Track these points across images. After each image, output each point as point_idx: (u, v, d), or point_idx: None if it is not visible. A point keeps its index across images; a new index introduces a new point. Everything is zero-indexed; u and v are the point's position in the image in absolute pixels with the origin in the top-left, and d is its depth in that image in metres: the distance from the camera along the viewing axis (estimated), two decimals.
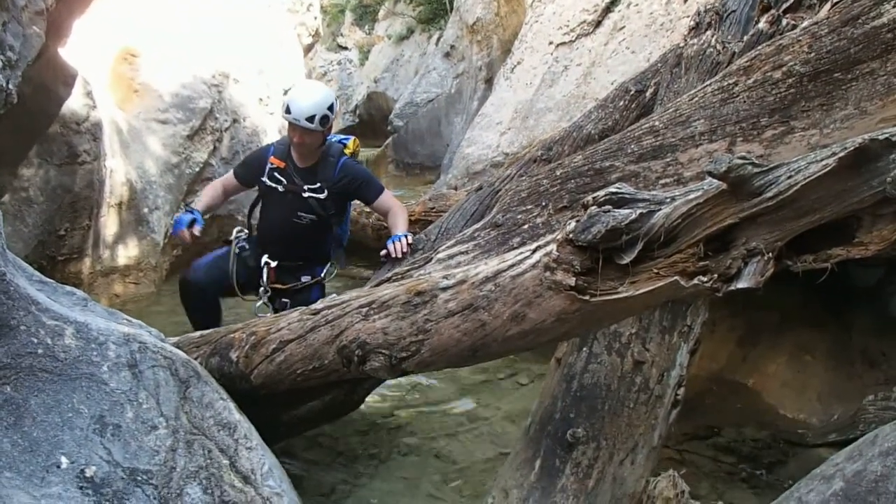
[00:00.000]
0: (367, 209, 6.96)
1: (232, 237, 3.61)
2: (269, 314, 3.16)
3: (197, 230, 3.36)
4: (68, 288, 2.36)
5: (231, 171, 3.79)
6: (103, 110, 4.99)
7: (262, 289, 3.44)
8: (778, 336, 3.32)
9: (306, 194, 3.44)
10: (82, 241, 4.77)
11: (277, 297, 3.46)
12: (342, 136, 3.80)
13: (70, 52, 4.06)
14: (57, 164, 4.37)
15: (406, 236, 3.13)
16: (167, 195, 5.78)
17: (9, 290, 1.74)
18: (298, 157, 3.49)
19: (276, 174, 3.50)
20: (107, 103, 5.34)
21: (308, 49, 10.67)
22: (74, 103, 4.44)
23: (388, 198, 3.59)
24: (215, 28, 6.86)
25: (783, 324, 3.32)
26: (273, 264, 3.46)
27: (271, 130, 7.55)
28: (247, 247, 3.54)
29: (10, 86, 2.75)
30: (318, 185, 3.46)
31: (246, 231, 3.69)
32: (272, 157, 3.52)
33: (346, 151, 3.64)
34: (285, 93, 8.63)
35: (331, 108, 3.35)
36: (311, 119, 3.28)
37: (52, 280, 2.34)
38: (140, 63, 6.00)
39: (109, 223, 5.13)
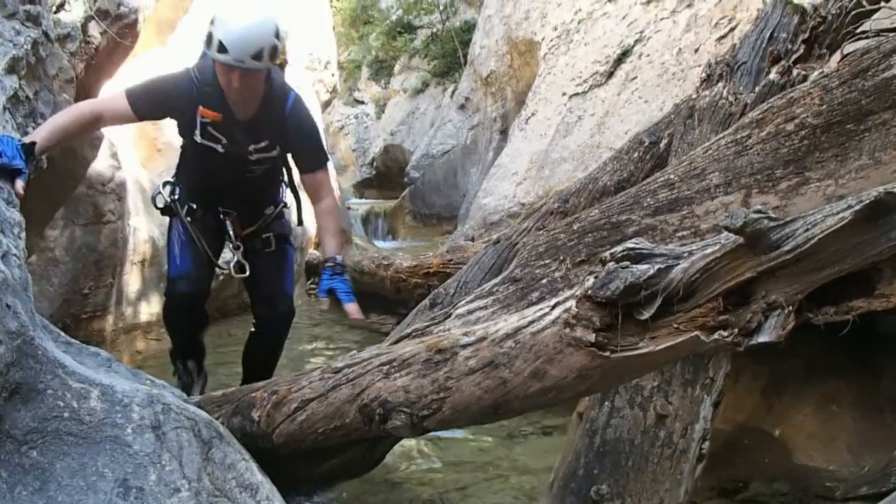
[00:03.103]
0: (385, 260, 7.09)
1: (162, 201, 3.02)
2: (246, 271, 2.98)
3: (19, 186, 2.16)
4: (93, 349, 2.40)
5: (119, 95, 2.72)
6: (128, 170, 5.11)
7: (231, 245, 3.01)
8: (803, 385, 3.27)
9: (254, 156, 2.83)
10: (106, 298, 4.83)
11: (250, 245, 3.06)
12: None
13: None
14: (82, 225, 4.46)
15: (346, 279, 2.80)
16: None
17: (37, 353, 1.77)
18: (238, 105, 2.71)
19: (210, 131, 2.74)
20: (131, 163, 5.48)
21: (326, 105, 10.89)
22: (100, 164, 4.56)
23: (326, 179, 2.92)
24: None
25: (808, 372, 3.27)
26: (234, 215, 3.00)
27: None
28: (194, 206, 2.99)
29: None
30: (266, 142, 2.82)
31: (170, 183, 3.07)
32: (201, 107, 2.71)
33: (281, 58, 2.88)
34: None
35: (278, 33, 2.57)
36: (258, 56, 2.50)
37: (76, 341, 2.39)
38: (163, 123, 6.15)
39: (132, 280, 5.20)
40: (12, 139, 2.21)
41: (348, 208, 12.10)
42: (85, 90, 3.55)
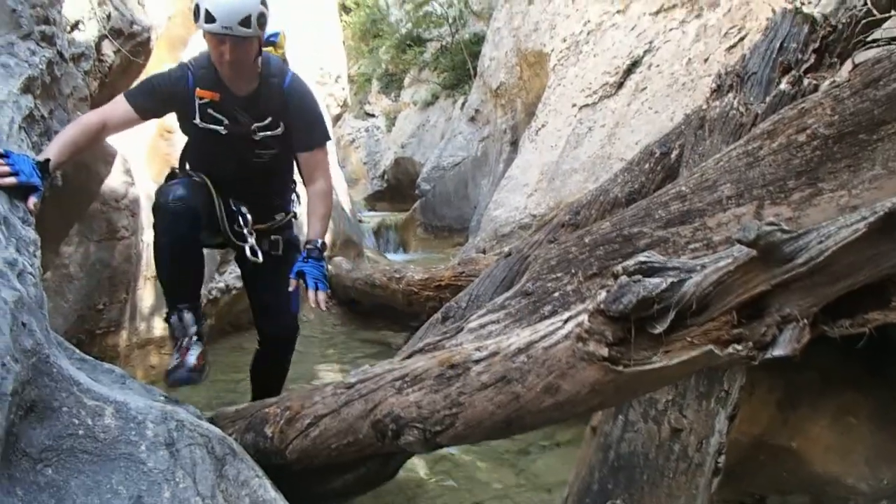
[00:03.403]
0: (397, 273, 7.09)
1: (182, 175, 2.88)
2: (259, 257, 2.87)
3: (32, 203, 2.19)
4: (107, 365, 2.42)
5: (120, 99, 2.74)
6: (141, 186, 5.15)
7: (245, 231, 2.90)
8: (819, 397, 3.24)
9: (259, 135, 2.77)
10: (120, 314, 4.86)
11: (261, 239, 2.97)
12: (269, 33, 2.88)
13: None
14: (96, 241, 4.50)
15: (321, 265, 2.64)
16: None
17: (52, 371, 1.79)
18: (234, 82, 2.70)
19: (210, 112, 2.71)
20: (144, 179, 5.52)
21: (337, 118, 10.96)
22: (114, 181, 4.60)
23: (323, 161, 2.84)
24: None
25: (824, 384, 3.25)
26: (244, 210, 2.91)
27: (302, 199, 7.69)
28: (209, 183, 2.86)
29: (58, 172, 2.86)
30: (269, 119, 2.76)
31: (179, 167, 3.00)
32: (197, 88, 2.70)
33: (279, 51, 2.95)
34: None
35: (264, 0, 2.55)
36: (245, 22, 2.48)
37: (91, 357, 2.40)
38: (176, 139, 6.22)
39: (146, 296, 5.23)
40: (28, 157, 2.24)
41: (360, 221, 12.13)
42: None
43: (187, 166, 3.04)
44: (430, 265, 7.53)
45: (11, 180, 2.12)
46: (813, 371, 3.26)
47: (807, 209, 2.15)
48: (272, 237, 3.01)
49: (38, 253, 2.12)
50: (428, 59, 19.41)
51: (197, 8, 2.50)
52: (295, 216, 3.17)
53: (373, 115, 22.85)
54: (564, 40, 9.71)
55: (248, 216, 2.91)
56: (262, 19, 2.55)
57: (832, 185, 2.14)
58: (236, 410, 2.57)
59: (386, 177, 19.22)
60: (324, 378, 5.39)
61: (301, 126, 2.80)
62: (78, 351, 2.35)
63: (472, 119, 13.95)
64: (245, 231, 2.90)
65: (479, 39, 15.74)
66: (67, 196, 3.63)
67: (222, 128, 2.72)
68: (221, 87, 2.69)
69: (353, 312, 7.44)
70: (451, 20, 18.28)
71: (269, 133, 2.77)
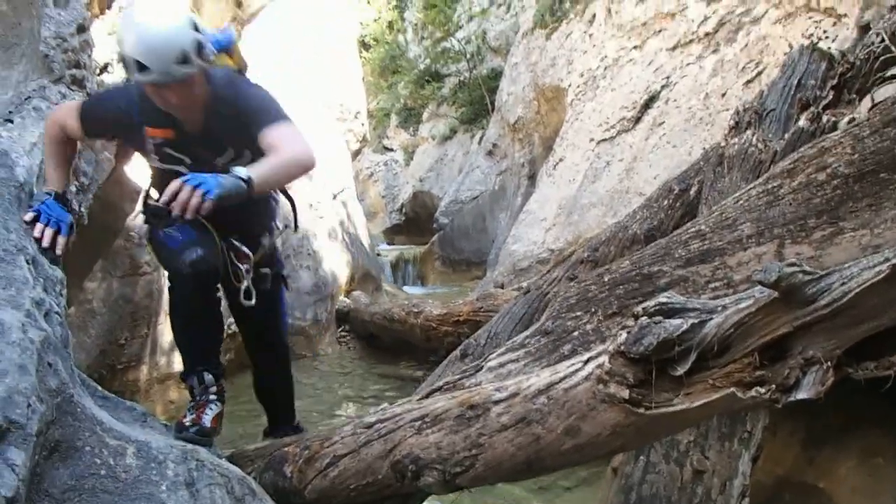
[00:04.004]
0: (415, 307, 7.09)
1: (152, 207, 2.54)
2: (253, 299, 2.59)
3: (61, 246, 2.20)
4: (128, 403, 2.44)
5: (74, 109, 2.40)
6: None
7: (243, 269, 2.61)
8: (844, 437, 3.17)
9: (221, 166, 2.36)
10: (140, 349, 4.90)
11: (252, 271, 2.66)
12: (219, 39, 2.50)
13: (135, 167, 4.30)
14: (119, 277, 4.57)
15: (220, 177, 2.01)
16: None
17: (76, 411, 1.80)
18: (186, 118, 2.35)
19: (168, 152, 2.39)
20: None
21: (356, 154, 11.09)
22: (138, 217, 4.68)
23: (285, 133, 2.27)
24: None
25: (849, 424, 3.18)
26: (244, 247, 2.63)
27: (321, 234, 7.76)
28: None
29: (83, 208, 2.93)
30: (230, 149, 2.43)
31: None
32: (148, 128, 2.35)
33: (235, 59, 2.60)
34: (334, 196, 8.98)
35: (195, 26, 2.19)
36: (183, 59, 2.13)
37: (113, 395, 2.43)
38: None
39: (166, 331, 5.27)
40: (48, 197, 2.26)
41: (378, 254, 12.19)
42: (124, 148, 3.66)
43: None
44: (449, 299, 7.53)
45: (60, 240, 2.20)
46: (838, 410, 3.20)
47: (828, 248, 2.14)
48: (261, 270, 2.76)
49: (64, 292, 2.16)
50: (446, 94, 19.64)
51: (123, 59, 2.15)
52: (279, 231, 2.90)
53: (391, 150, 23.06)
54: (582, 75, 9.79)
55: (247, 251, 2.63)
56: (200, 49, 2.17)
57: (854, 224, 2.13)
58: (255, 449, 2.57)
59: (404, 210, 19.34)
60: (343, 413, 5.37)
61: (249, 120, 2.32)
62: (100, 388, 2.38)
63: (490, 153, 14.05)
64: (243, 270, 2.62)
65: (496, 74, 15.92)
66: (92, 233, 3.69)
67: (184, 167, 2.38)
68: (172, 121, 2.34)
69: (371, 347, 7.45)
70: (469, 56, 18.53)
71: (235, 161, 2.41)
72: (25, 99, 2.64)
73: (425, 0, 20.74)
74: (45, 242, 2.18)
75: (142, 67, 2.11)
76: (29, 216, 2.17)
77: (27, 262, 1.95)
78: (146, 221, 2.61)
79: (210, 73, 2.33)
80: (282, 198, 2.96)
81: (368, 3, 22.28)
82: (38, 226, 2.18)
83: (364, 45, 21.64)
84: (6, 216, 2.04)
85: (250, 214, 2.65)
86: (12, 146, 2.34)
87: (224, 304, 2.67)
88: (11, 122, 2.52)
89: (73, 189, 2.83)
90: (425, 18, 20.95)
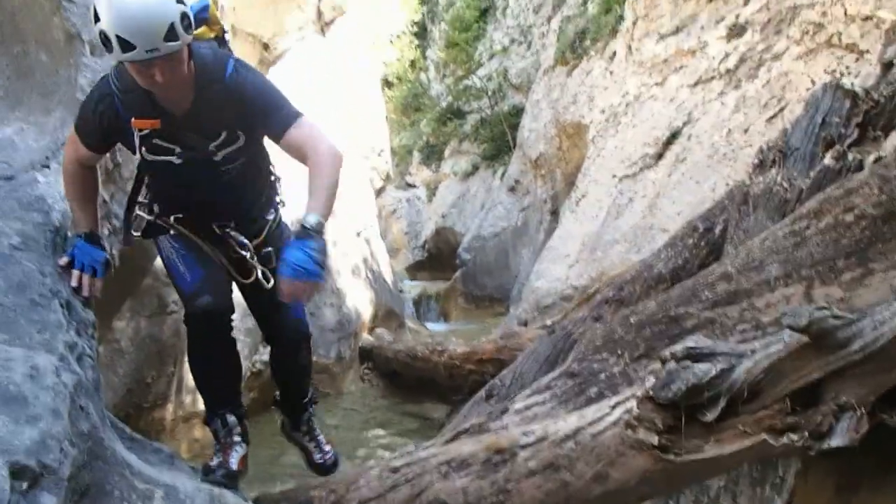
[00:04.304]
0: (438, 346, 7.07)
1: (143, 222, 2.54)
2: (270, 280, 2.54)
3: (97, 289, 2.25)
4: (156, 444, 2.46)
5: (74, 139, 2.33)
6: None
7: (248, 254, 2.56)
8: (880, 481, 3.08)
9: (219, 155, 2.33)
10: (167, 387, 4.94)
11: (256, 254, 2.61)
12: (194, 7, 2.24)
13: None
14: (147, 316, 4.62)
15: (309, 244, 2.07)
16: (246, 339, 5.98)
17: (106, 454, 1.82)
18: (170, 101, 2.21)
19: (157, 143, 2.28)
20: None
21: (379, 191, 11.20)
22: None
23: (304, 135, 2.26)
24: (292, 178, 7.31)
25: (884, 467, 3.10)
26: (232, 225, 2.55)
27: (345, 272, 7.81)
28: (181, 216, 2.53)
29: (114, 251, 2.98)
30: (224, 132, 2.31)
31: (143, 203, 2.60)
32: (134, 120, 2.21)
33: (215, 28, 2.45)
34: (358, 234, 9.04)
35: None
36: (171, 34, 1.98)
37: (140, 436, 2.45)
38: None
39: None
40: (79, 240, 2.30)
41: (401, 291, 12.22)
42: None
43: (146, 198, 2.65)
44: (472, 336, 7.51)
45: (98, 283, 2.25)
46: (871, 454, 3.12)
47: (858, 290, 2.11)
48: (263, 251, 2.65)
49: (95, 334, 2.19)
50: (468, 131, 19.81)
51: (104, 36, 1.97)
52: (283, 204, 2.83)
53: (414, 186, 23.23)
54: (603, 112, 9.84)
55: (245, 241, 2.57)
56: (185, 21, 2.02)
57: (883, 266, 2.11)
58: (281, 492, 2.57)
59: (427, 246, 19.40)
60: (366, 452, 5.34)
61: (260, 117, 2.28)
62: (128, 429, 2.40)
63: (512, 189, 14.10)
64: (247, 258, 2.58)
65: (518, 111, 16.05)
66: (122, 272, 3.75)
67: (175, 157, 2.30)
68: (159, 110, 2.22)
69: (394, 384, 7.42)
70: (490, 93, 18.72)
71: (230, 149, 2.35)
72: (62, 145, 2.71)
73: (447, 39, 21.06)
74: (85, 292, 2.21)
75: (126, 46, 1.95)
76: (64, 261, 2.22)
77: (61, 305, 1.99)
78: (146, 235, 2.63)
79: (193, 47, 2.19)
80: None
81: (391, 42, 22.65)
82: (75, 273, 2.22)
83: (387, 84, 21.97)
84: (42, 261, 2.09)
85: (244, 206, 2.61)
86: (48, 191, 2.41)
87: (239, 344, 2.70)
88: (48, 167, 2.58)
89: (106, 233, 2.89)
90: (447, 57, 21.25)
